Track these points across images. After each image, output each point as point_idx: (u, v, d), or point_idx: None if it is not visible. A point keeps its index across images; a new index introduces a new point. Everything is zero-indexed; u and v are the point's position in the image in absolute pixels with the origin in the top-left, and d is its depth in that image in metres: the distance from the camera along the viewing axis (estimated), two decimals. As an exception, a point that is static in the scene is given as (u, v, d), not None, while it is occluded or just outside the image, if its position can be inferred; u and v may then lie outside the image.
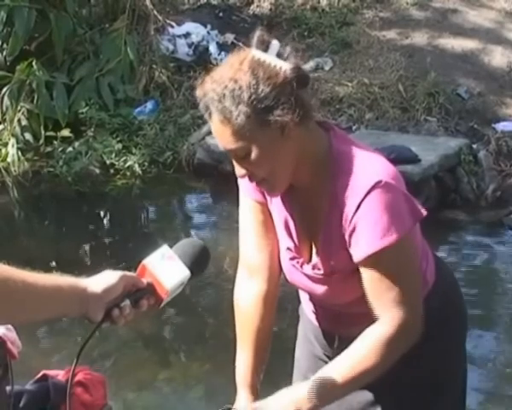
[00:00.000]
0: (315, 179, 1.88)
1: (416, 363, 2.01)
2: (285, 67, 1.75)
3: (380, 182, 1.78)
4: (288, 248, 2.00)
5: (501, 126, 6.48)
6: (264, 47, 1.78)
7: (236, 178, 2.00)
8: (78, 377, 2.76)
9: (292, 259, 2.00)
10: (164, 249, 1.69)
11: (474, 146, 6.26)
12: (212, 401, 3.75)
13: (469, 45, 7.55)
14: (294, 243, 1.98)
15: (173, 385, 4.05)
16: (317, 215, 1.91)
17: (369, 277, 1.84)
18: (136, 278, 1.65)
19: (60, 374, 2.79)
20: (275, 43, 1.79)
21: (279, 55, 1.77)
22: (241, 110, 1.73)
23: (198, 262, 1.71)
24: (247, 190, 2.02)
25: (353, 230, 1.82)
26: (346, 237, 1.84)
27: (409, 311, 1.84)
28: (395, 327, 1.84)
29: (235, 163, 1.85)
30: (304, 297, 2.16)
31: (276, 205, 1.99)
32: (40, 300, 1.54)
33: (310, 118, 1.82)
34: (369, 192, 1.78)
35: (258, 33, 1.80)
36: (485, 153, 6.18)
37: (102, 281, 1.61)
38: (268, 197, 2.00)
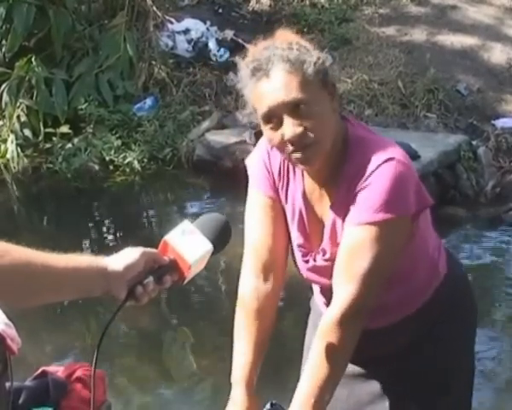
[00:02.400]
0: (330, 166, 1.90)
1: (426, 350, 2.04)
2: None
3: (392, 158, 1.82)
4: (299, 245, 2.00)
5: (500, 123, 6.47)
6: None
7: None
8: (78, 373, 2.76)
9: (304, 255, 2.01)
10: (185, 224, 1.66)
11: (474, 142, 6.25)
12: (212, 399, 3.76)
13: (469, 42, 7.54)
14: (305, 238, 1.99)
15: (173, 383, 4.05)
16: (327, 200, 1.93)
17: (349, 243, 1.84)
18: (156, 254, 1.64)
19: (59, 371, 2.79)
20: None
21: None
22: (311, 61, 1.81)
23: (220, 236, 1.68)
24: (259, 185, 2.02)
25: (356, 194, 1.83)
26: (349, 200, 1.85)
27: (366, 289, 1.84)
28: (349, 306, 1.84)
29: (287, 124, 1.81)
30: (316, 290, 2.16)
31: (291, 199, 1.99)
32: (61, 281, 1.55)
33: (339, 108, 1.91)
34: (380, 165, 1.81)
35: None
36: (485, 149, 6.17)
37: (123, 258, 1.60)
38: (282, 194, 2.00)
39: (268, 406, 2.00)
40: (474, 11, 8.06)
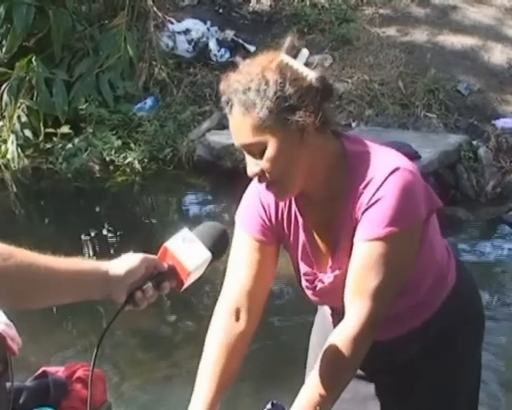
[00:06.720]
0: (331, 186, 1.87)
1: (433, 362, 2.00)
2: (311, 75, 1.79)
3: (398, 168, 1.80)
4: (305, 274, 1.99)
5: (501, 123, 6.48)
6: (294, 53, 1.82)
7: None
8: (78, 373, 2.76)
9: (311, 282, 1.99)
10: (185, 232, 1.70)
11: (474, 143, 6.25)
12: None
13: (469, 42, 7.54)
14: (309, 265, 1.97)
15: (172, 383, 4.05)
16: (334, 218, 1.90)
17: (361, 259, 1.82)
18: (157, 261, 1.66)
19: (60, 371, 2.79)
20: (304, 52, 1.83)
21: (307, 64, 1.81)
22: (264, 104, 1.76)
23: (219, 245, 1.72)
24: (248, 227, 1.99)
25: (367, 209, 1.81)
26: (359, 215, 1.82)
27: (380, 305, 1.81)
28: (363, 323, 1.81)
29: (248, 161, 1.84)
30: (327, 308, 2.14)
31: (293, 232, 1.97)
32: (63, 284, 1.56)
33: (329, 127, 1.85)
34: (387, 177, 1.79)
35: (289, 39, 1.84)
36: (485, 149, 6.18)
37: (124, 263, 1.62)
38: (286, 231, 1.97)
39: (269, 406, 2.00)
40: (474, 11, 8.06)
